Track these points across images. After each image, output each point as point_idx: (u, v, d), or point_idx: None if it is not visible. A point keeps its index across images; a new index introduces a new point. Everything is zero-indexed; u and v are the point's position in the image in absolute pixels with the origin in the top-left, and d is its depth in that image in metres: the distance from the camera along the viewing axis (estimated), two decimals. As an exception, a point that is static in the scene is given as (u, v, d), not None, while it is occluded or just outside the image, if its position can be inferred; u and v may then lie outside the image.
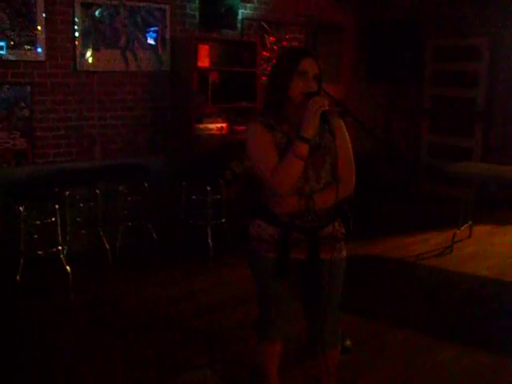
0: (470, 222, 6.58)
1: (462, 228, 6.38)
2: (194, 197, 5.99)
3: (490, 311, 4.68)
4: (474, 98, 8.30)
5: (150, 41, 6.23)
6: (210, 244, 5.77)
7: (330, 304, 2.76)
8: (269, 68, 7.22)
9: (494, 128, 8.19)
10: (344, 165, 2.64)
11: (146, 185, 5.87)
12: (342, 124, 2.72)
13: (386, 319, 4.46)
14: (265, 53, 7.18)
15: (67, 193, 5.38)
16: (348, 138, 2.71)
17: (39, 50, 5.50)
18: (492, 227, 7.17)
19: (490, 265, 5.77)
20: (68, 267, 4.93)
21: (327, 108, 2.49)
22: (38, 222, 5.10)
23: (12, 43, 5.34)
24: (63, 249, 5.10)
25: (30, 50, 5.45)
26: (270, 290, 2.78)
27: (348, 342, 3.84)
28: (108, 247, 5.57)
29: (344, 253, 2.79)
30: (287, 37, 7.44)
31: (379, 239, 6.48)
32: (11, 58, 5.35)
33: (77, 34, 5.70)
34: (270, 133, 2.58)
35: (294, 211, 2.60)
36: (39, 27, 5.47)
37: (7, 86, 5.39)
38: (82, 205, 5.66)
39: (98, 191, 5.60)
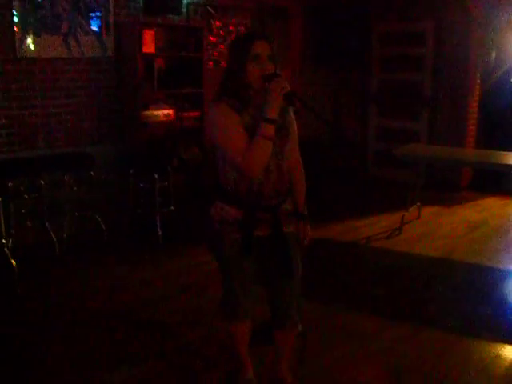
0: (418, 204, 6.67)
1: (411, 210, 6.47)
2: (141, 185, 5.90)
3: (439, 290, 4.75)
4: (421, 82, 8.40)
5: (93, 26, 6.07)
6: (159, 232, 5.68)
7: (294, 278, 2.83)
8: (215, 53, 7.17)
9: (440, 111, 8.32)
10: (298, 148, 2.85)
11: (92, 174, 5.74)
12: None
13: (338, 302, 4.50)
14: (211, 38, 7.10)
15: (10, 184, 5.20)
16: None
17: (-24, 36, 5.31)
18: (440, 208, 7.28)
19: (439, 245, 5.86)
20: (13, 261, 4.80)
21: (289, 89, 2.50)
22: (-21, 215, 4.93)
23: None
24: (8, 242, 4.95)
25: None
26: (235, 269, 2.80)
27: (300, 327, 3.83)
28: (55, 239, 5.42)
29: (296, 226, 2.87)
30: (233, 21, 7.37)
31: (330, 223, 6.50)
32: None
33: (16, 20, 5.50)
34: (238, 114, 2.55)
35: (260, 189, 2.64)
36: (-26, 12, 5.28)
37: None
38: (26, 196, 5.48)
39: (42, 182, 5.43)
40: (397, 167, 7.77)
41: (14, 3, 5.45)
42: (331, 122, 4.61)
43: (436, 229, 6.44)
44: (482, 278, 5.05)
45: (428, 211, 6.99)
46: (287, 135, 2.69)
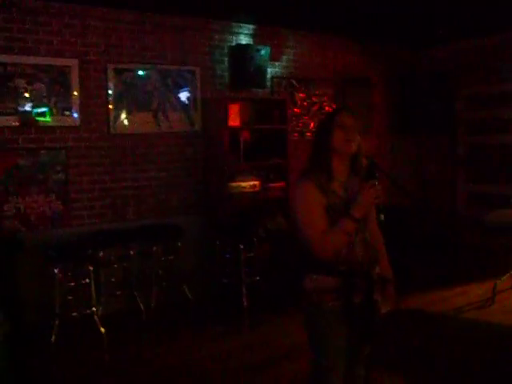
0: (511, 272, 6.39)
1: (504, 278, 6.20)
2: (227, 255, 5.98)
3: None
4: (510, 144, 8.19)
5: (182, 102, 6.35)
6: (245, 303, 5.70)
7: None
8: (300, 124, 7.30)
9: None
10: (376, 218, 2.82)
11: (180, 244, 5.89)
12: None
13: (430, 376, 4.32)
14: (295, 109, 7.25)
15: (101, 254, 5.42)
16: None
17: (75, 115, 5.66)
18: (536, 277, 6.94)
19: (535, 316, 5.57)
20: (102, 328, 4.94)
21: (381, 199, 2.64)
22: (72, 284, 5.14)
23: (51, 110, 5.51)
24: (97, 310, 5.12)
25: (67, 115, 5.61)
26: (333, 339, 2.73)
27: None
28: (142, 308, 5.55)
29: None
30: (316, 92, 7.52)
31: (418, 293, 6.32)
32: (49, 124, 5.51)
33: (110, 99, 5.85)
34: (322, 194, 2.65)
35: (347, 259, 2.66)
36: (75, 93, 5.64)
37: (43, 151, 5.52)
38: (116, 265, 5.69)
39: (131, 252, 5.64)
40: (488, 233, 7.51)
41: (110, 83, 5.81)
42: (410, 192, 4.58)
43: (532, 299, 6.14)
44: None
45: (523, 280, 6.68)
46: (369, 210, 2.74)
